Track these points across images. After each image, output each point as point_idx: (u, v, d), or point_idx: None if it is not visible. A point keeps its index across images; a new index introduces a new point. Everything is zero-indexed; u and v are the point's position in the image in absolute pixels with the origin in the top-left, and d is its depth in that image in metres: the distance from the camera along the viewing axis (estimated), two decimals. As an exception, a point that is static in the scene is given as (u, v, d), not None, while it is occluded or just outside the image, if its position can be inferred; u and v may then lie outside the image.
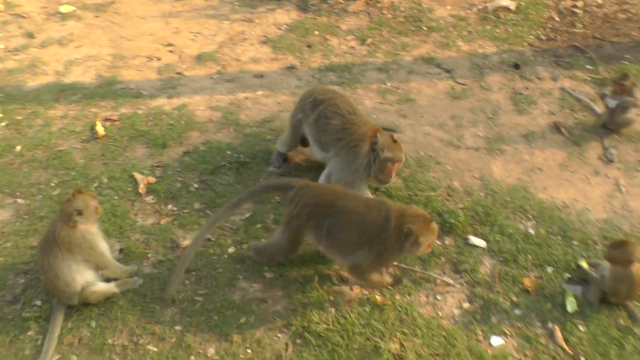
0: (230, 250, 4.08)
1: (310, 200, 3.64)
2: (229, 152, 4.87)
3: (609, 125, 5.16)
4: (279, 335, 3.59)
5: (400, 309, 3.72)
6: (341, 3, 7.12)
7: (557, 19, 6.87)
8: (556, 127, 5.26)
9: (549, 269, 4.01)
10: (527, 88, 5.76)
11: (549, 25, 6.74)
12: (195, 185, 4.59)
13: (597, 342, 3.58)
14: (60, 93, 5.64)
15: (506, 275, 3.97)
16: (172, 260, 3.98)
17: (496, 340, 3.60)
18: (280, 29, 6.70)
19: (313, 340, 3.53)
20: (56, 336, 3.51)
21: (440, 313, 3.75)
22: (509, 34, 6.59)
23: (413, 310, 3.71)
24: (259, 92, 5.68)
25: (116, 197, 4.47)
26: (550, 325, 3.69)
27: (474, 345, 3.55)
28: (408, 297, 3.80)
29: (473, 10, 7.04)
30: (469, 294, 3.87)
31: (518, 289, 3.89)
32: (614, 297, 3.76)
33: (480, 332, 3.64)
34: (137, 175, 4.63)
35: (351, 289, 3.83)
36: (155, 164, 4.78)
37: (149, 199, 4.48)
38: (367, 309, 3.72)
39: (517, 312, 3.76)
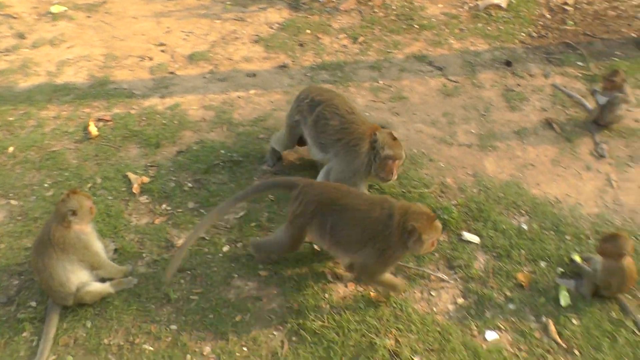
0: (225, 248, 4.08)
1: (314, 198, 3.64)
2: (222, 151, 4.87)
3: (600, 121, 5.20)
4: (275, 333, 3.60)
5: (395, 305, 3.74)
6: (333, 1, 7.12)
7: (548, 16, 6.92)
8: (548, 123, 5.30)
9: (542, 264, 4.04)
10: (518, 85, 5.79)
11: (540, 23, 6.78)
12: (189, 185, 4.58)
13: (590, 335, 3.62)
14: (53, 94, 5.61)
15: (500, 270, 4.00)
16: (166, 259, 3.98)
17: (491, 335, 3.63)
18: (272, 28, 6.70)
19: (309, 338, 3.54)
20: (51, 337, 3.50)
21: (434, 309, 3.77)
22: (500, 31, 6.62)
23: (408, 307, 3.73)
24: (252, 91, 5.68)
25: (110, 197, 4.46)
26: (544, 319, 3.72)
27: (468, 340, 3.58)
28: (402, 293, 3.82)
29: (464, 8, 7.07)
30: (463, 289, 3.89)
31: (512, 283, 3.92)
32: (606, 290, 3.80)
33: (475, 327, 3.67)
34: (131, 175, 4.63)
35: (346, 286, 3.84)
36: (148, 164, 4.77)
37: (143, 198, 4.47)
38: (361, 305, 3.73)
39: (511, 306, 3.79)
